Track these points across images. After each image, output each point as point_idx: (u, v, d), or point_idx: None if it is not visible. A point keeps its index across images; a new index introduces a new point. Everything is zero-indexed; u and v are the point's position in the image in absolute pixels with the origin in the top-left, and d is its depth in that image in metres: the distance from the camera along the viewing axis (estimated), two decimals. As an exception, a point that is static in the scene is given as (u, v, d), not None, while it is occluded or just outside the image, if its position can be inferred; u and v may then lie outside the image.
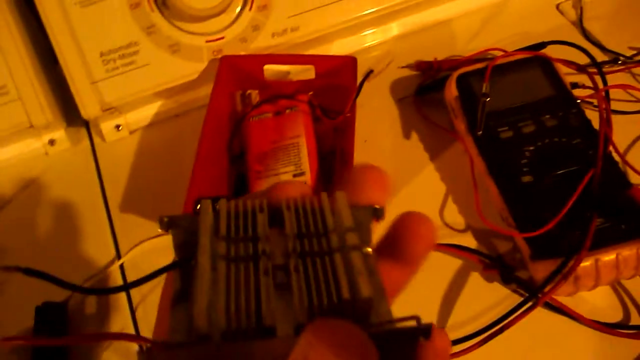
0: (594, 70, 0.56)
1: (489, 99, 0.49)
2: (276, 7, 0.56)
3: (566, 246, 0.44)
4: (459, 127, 0.53)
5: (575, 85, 0.56)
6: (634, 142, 0.55)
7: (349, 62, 0.54)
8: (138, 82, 0.55)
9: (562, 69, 0.55)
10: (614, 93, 0.56)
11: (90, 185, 0.57)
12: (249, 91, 0.55)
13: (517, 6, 0.67)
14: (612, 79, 0.57)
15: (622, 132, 0.54)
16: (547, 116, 0.51)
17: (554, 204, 0.45)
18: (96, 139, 0.60)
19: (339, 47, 0.62)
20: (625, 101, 0.58)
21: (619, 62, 0.60)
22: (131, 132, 0.59)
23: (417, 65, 0.62)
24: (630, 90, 0.58)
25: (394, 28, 0.65)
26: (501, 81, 0.54)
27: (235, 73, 0.55)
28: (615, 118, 0.55)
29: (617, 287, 0.47)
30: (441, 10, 0.65)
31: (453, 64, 0.60)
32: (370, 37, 0.64)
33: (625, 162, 0.52)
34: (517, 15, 0.66)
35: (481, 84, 0.51)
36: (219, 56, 0.55)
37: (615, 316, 0.46)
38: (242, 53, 0.56)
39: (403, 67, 0.62)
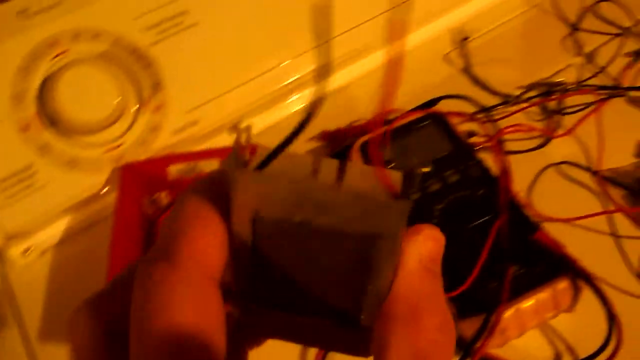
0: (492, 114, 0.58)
1: (393, 164, 0.51)
2: (172, 105, 0.56)
3: (487, 300, 0.45)
4: (370, 194, 0.54)
5: (472, 134, 0.58)
6: (535, 178, 0.57)
7: (253, 150, 0.54)
8: (40, 204, 0.53)
9: (456, 121, 0.57)
10: (511, 133, 0.59)
11: (3, 317, 0.54)
12: (156, 194, 0.54)
13: (408, 61, 0.69)
14: (509, 120, 0.60)
15: (522, 170, 0.57)
16: (450, 172, 0.53)
17: (472, 259, 0.46)
18: (4, 268, 0.57)
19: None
20: (521, 140, 0.60)
21: (510, 102, 0.63)
22: (42, 253, 0.57)
23: (322, 135, 0.63)
24: (523, 127, 0.61)
25: (296, 102, 0.66)
26: (403, 143, 0.55)
27: (139, 178, 0.54)
28: (515, 158, 0.58)
29: (545, 328, 0.48)
30: (337, 77, 0.67)
31: (356, 130, 0.61)
32: (276, 114, 0.65)
33: (529, 206, 0.54)
34: (409, 71, 0.68)
35: (384, 150, 0.53)
36: (120, 164, 0.55)
37: (548, 357, 0.47)
38: (144, 157, 0.56)
39: (309, 139, 0.63)
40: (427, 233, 0.22)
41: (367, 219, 0.19)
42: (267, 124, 0.64)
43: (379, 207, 0.19)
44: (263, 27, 0.60)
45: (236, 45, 0.58)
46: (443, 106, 0.61)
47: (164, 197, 0.54)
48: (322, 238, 0.20)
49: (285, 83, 0.61)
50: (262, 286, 0.21)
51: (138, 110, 0.55)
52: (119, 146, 0.55)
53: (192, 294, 0.18)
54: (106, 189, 0.56)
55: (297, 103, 0.64)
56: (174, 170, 0.56)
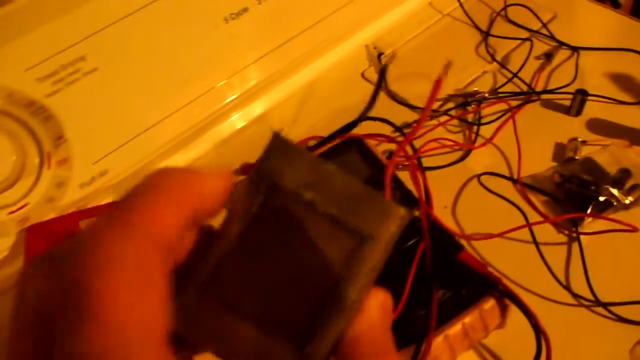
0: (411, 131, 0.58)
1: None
2: (77, 157, 0.53)
3: (416, 330, 0.44)
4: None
5: (391, 155, 0.57)
6: (458, 192, 0.57)
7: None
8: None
9: (375, 143, 0.56)
10: (430, 150, 0.59)
11: None
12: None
13: (325, 83, 0.68)
14: (429, 135, 0.60)
15: (445, 185, 0.57)
16: (370, 198, 0.52)
17: (399, 287, 0.45)
18: None
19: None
20: (442, 154, 0.60)
21: (429, 117, 0.63)
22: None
23: (243, 169, 0.61)
24: (442, 141, 0.61)
25: (214, 135, 0.64)
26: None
27: (46, 239, 0.51)
28: (436, 173, 0.58)
29: (479, 348, 0.48)
30: (254, 106, 0.65)
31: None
32: (195, 151, 0.63)
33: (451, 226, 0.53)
34: (328, 92, 0.68)
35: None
36: (27, 224, 0.51)
37: (484, 377, 0.47)
38: (52, 215, 0.52)
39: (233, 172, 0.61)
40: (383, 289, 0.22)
41: (369, 218, 0.21)
42: (188, 161, 0.62)
43: (383, 208, 0.21)
44: (167, 66, 0.57)
45: (140, 88, 0.56)
46: (363, 128, 0.60)
47: (77, 256, 0.51)
48: (320, 223, 0.21)
49: (196, 122, 0.59)
50: (226, 279, 0.21)
51: (40, 166, 0.52)
52: (23, 207, 0.51)
53: (134, 258, 0.17)
54: (15, 253, 0.52)
55: (210, 139, 0.62)
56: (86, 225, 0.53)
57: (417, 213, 0.49)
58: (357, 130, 0.59)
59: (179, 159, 0.61)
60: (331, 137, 0.57)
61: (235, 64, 0.61)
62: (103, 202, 0.55)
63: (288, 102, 0.66)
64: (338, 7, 0.67)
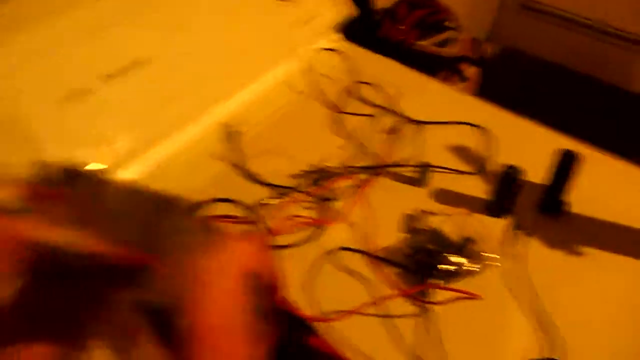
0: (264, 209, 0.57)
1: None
2: None
3: None
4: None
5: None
6: (312, 270, 0.57)
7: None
8: None
9: (225, 224, 0.55)
10: (284, 229, 0.58)
11: None
12: None
13: (178, 162, 0.66)
14: (284, 212, 0.59)
15: (299, 264, 0.56)
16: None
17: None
18: None
19: None
20: (296, 232, 0.60)
21: (283, 194, 0.63)
22: None
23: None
24: (297, 219, 0.60)
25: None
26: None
27: None
28: (290, 252, 0.57)
29: None
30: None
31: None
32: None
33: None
34: (180, 171, 0.65)
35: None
36: None
37: None
38: None
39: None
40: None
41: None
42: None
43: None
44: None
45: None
46: (214, 209, 0.58)
47: None
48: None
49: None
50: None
51: None
52: None
53: None
54: None
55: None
56: None
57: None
58: (208, 212, 0.57)
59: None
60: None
61: (69, 154, 0.57)
62: None
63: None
64: (191, 86, 0.66)
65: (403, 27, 1.48)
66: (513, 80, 2.19)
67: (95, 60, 0.60)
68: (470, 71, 1.61)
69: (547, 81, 2.22)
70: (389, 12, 1.52)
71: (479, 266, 0.56)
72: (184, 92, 0.66)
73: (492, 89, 1.82)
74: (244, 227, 0.55)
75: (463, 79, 1.56)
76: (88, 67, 0.59)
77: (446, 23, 1.55)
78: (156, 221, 0.24)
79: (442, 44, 1.52)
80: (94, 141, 0.59)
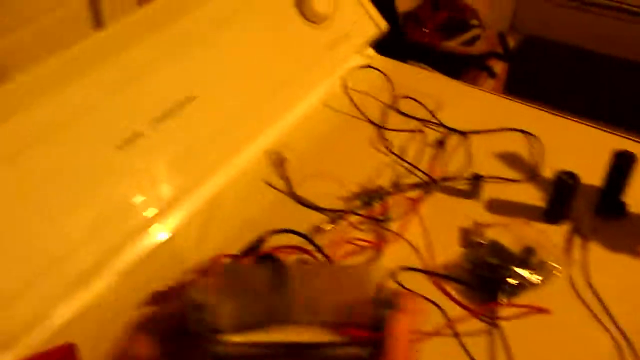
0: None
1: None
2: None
3: None
4: None
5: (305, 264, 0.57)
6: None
7: (66, 350, 0.48)
8: None
9: (286, 255, 0.55)
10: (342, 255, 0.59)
11: None
12: None
13: (229, 194, 0.67)
14: (339, 237, 0.60)
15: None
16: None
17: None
18: None
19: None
20: (354, 255, 0.60)
21: (335, 218, 0.63)
22: None
23: (154, 298, 0.57)
24: (356, 241, 0.61)
25: (116, 265, 0.60)
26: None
27: None
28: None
29: None
30: (155, 232, 0.62)
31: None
32: (93, 290, 0.59)
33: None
34: (233, 204, 0.66)
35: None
36: None
37: None
38: None
39: (138, 307, 0.57)
40: None
41: None
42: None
43: None
44: (65, 198, 0.54)
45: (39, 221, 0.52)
46: (273, 240, 0.59)
47: None
48: None
49: (97, 253, 0.56)
50: None
51: None
52: None
53: None
54: None
55: (113, 270, 0.59)
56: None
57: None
58: (269, 244, 0.58)
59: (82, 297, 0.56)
60: (245, 254, 0.56)
61: (127, 197, 0.59)
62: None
63: (192, 221, 0.64)
64: (235, 117, 0.67)
65: (427, 30, 1.47)
66: (540, 69, 2.16)
67: (141, 105, 0.61)
68: (499, 66, 1.60)
69: (573, 65, 2.18)
70: (412, 16, 1.52)
71: (542, 277, 0.56)
72: (229, 124, 0.68)
73: (521, 80, 1.80)
74: (306, 256, 0.56)
75: (492, 75, 1.55)
76: (135, 112, 0.61)
77: (470, 22, 1.54)
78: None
79: (469, 42, 1.52)
80: (148, 184, 0.60)
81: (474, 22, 1.54)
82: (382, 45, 0.84)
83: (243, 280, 0.26)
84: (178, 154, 0.62)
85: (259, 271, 0.27)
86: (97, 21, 0.65)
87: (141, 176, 0.60)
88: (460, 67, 1.50)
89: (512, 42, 1.65)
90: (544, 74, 2.15)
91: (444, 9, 1.50)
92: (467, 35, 1.50)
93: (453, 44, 1.48)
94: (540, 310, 0.52)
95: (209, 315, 0.24)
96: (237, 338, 0.23)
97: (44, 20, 0.63)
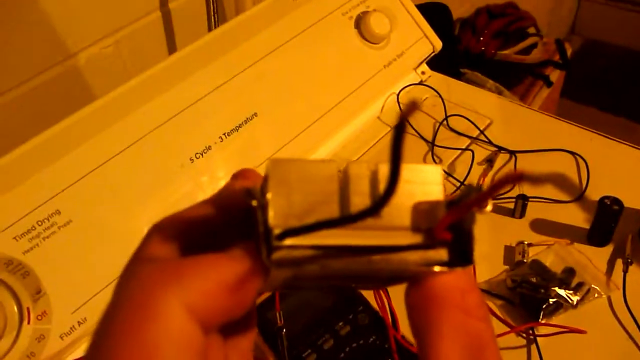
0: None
1: (285, 330, 0.53)
2: (56, 309, 0.55)
3: None
4: (269, 361, 0.55)
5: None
6: (422, 304, 0.61)
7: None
8: None
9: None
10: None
11: None
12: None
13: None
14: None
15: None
16: (340, 323, 0.55)
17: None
18: None
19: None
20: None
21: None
22: None
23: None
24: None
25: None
26: (291, 303, 0.57)
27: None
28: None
29: None
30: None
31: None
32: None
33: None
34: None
35: (273, 313, 0.55)
36: (10, 379, 0.53)
37: None
38: (33, 369, 0.54)
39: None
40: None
41: None
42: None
43: None
44: (139, 210, 0.61)
45: (115, 234, 0.59)
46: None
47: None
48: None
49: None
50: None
51: (20, 322, 0.54)
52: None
53: None
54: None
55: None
56: None
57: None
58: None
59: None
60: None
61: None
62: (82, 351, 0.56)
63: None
64: (294, 133, 0.73)
65: (482, 39, 1.48)
66: (597, 74, 2.13)
67: (212, 122, 0.67)
68: (556, 74, 1.59)
69: (633, 70, 2.13)
70: (468, 24, 1.53)
71: (581, 297, 0.59)
72: (289, 140, 0.73)
73: (579, 86, 1.78)
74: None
75: (549, 83, 1.55)
76: (207, 128, 0.67)
77: (528, 30, 1.54)
78: None
79: (526, 50, 1.52)
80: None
81: (532, 30, 1.54)
82: (438, 55, 0.87)
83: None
84: (242, 166, 0.68)
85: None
86: (170, 47, 0.72)
87: (207, 187, 0.66)
88: (516, 76, 1.51)
89: (571, 47, 1.64)
90: (602, 79, 2.11)
91: (501, 17, 1.51)
92: (524, 44, 1.51)
93: (508, 52, 1.49)
94: (577, 331, 0.55)
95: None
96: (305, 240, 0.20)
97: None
